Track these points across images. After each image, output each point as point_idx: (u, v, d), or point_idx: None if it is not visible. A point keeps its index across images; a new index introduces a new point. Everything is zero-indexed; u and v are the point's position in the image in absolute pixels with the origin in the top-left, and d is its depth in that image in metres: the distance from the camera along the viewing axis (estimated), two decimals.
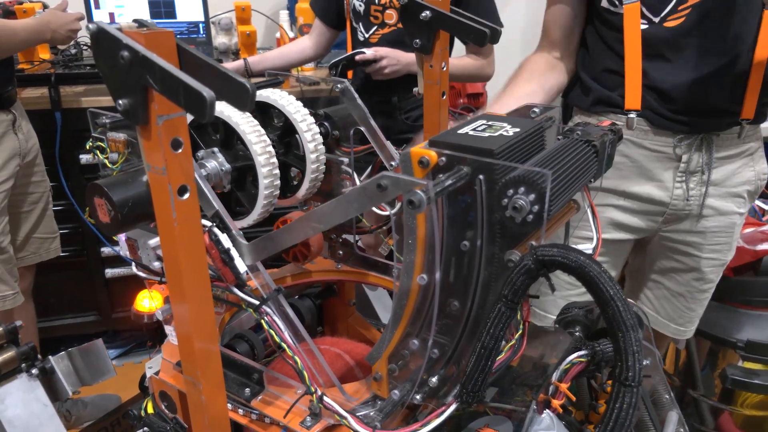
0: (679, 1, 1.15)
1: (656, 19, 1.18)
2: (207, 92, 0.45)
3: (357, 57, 1.74)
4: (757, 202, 2.00)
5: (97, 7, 2.33)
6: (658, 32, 1.18)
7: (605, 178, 1.30)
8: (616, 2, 1.20)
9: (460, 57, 1.93)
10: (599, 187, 1.32)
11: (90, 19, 2.27)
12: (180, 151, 0.52)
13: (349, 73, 1.92)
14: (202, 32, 2.48)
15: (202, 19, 2.46)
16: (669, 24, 1.17)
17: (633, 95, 1.22)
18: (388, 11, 1.83)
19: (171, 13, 2.43)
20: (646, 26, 1.19)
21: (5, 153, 1.71)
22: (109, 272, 2.32)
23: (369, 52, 1.73)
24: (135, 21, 0.52)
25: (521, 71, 1.34)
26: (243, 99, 0.47)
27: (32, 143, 1.85)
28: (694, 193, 1.28)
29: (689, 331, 1.46)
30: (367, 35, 1.89)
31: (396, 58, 1.75)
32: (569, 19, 1.31)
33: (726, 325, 1.70)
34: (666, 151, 1.25)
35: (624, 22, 1.19)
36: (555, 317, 0.85)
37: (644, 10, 1.18)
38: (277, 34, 2.55)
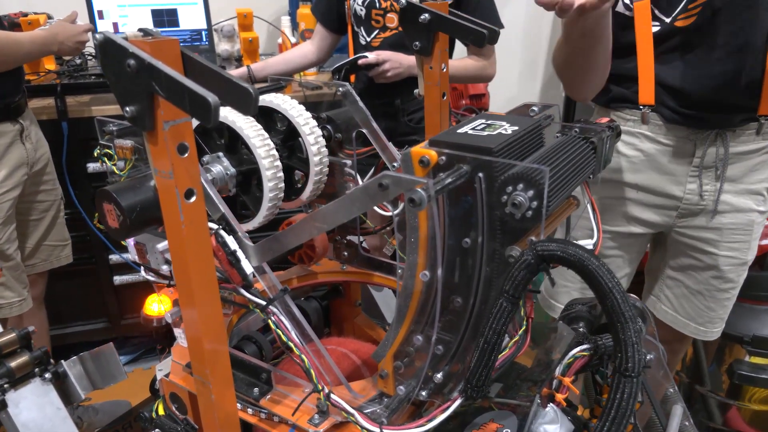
0: (690, 0, 1.16)
1: (667, 19, 1.19)
2: (211, 97, 0.46)
3: (359, 61, 1.75)
4: None
5: (101, 17, 2.36)
6: (670, 32, 1.19)
7: (619, 171, 1.32)
8: (630, 5, 1.21)
9: (461, 59, 1.94)
10: (611, 179, 1.33)
11: (94, 29, 2.30)
12: (186, 155, 0.54)
13: (352, 77, 1.93)
14: (204, 39, 2.50)
15: (205, 26, 2.48)
16: (680, 23, 1.17)
17: (646, 90, 1.23)
18: (389, 15, 1.85)
19: (174, 22, 2.46)
20: (657, 27, 1.20)
21: (12, 162, 1.73)
22: (118, 279, 2.34)
23: (371, 56, 1.75)
24: (140, 30, 0.54)
25: None
26: (246, 103, 0.49)
27: (42, 152, 1.87)
28: (708, 188, 1.28)
29: (710, 332, 1.43)
30: (368, 39, 1.90)
31: (398, 61, 1.76)
32: None
33: (732, 320, 1.68)
34: (679, 145, 1.26)
35: (635, 19, 1.20)
36: (563, 305, 0.86)
37: (655, 11, 1.19)
38: (279, 40, 2.56)
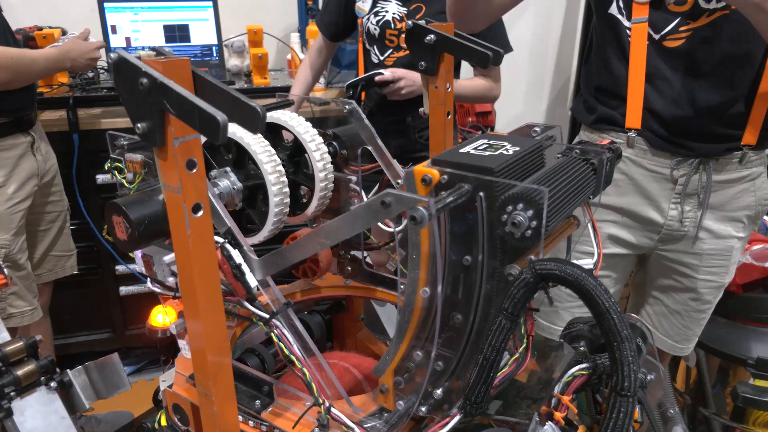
0: (681, 23, 1.16)
1: (656, 36, 1.19)
2: (220, 116, 0.48)
3: (377, 78, 1.79)
4: (766, 218, 2.00)
5: (114, 32, 2.40)
6: (657, 51, 1.20)
7: (605, 194, 1.32)
8: (623, 11, 1.21)
9: (468, 79, 1.96)
10: (598, 203, 1.34)
11: (107, 44, 2.34)
12: (194, 171, 0.55)
13: (362, 94, 1.96)
14: (215, 55, 2.54)
15: (216, 42, 2.52)
16: (668, 44, 1.18)
17: (634, 114, 1.24)
18: (403, 35, 1.88)
19: (185, 37, 2.50)
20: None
21: (23, 173, 1.76)
22: (123, 290, 2.36)
23: (387, 74, 1.78)
24: (153, 49, 0.55)
25: None
26: (254, 122, 0.50)
27: (50, 164, 1.90)
28: (690, 215, 1.29)
29: (686, 349, 1.48)
30: (382, 58, 1.93)
31: (412, 80, 1.79)
32: None
33: (736, 342, 1.69)
34: (663, 172, 1.27)
35: (631, 41, 1.21)
36: (560, 328, 0.87)
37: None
38: (288, 56, 2.60)
